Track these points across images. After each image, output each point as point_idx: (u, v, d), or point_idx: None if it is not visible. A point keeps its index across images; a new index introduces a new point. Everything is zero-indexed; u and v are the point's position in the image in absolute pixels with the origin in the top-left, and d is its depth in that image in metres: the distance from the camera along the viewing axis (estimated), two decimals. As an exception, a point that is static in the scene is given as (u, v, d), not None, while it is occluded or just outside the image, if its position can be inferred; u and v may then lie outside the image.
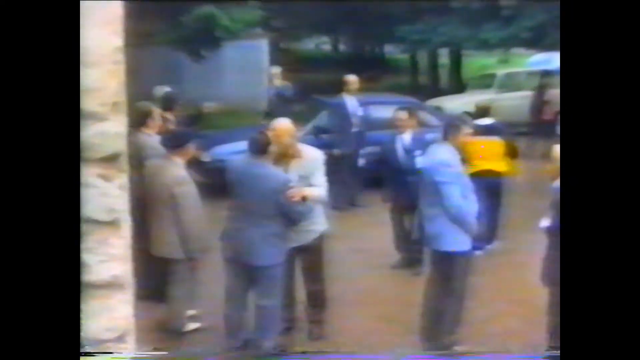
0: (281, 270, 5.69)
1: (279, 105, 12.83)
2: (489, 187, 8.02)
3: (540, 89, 15.47)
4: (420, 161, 6.03)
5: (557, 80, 15.82)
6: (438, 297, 5.93)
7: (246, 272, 5.66)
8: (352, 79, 10.95)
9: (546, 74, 15.73)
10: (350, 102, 10.81)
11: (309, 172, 5.82)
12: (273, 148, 5.58)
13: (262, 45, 19.89)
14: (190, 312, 6.28)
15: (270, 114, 12.97)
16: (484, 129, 8.46)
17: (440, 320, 5.90)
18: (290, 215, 5.56)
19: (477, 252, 6.65)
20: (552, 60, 15.63)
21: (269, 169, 5.56)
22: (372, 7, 22.88)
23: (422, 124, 8.96)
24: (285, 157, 5.78)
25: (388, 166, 8.18)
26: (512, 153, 8.78)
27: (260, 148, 5.55)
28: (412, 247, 7.44)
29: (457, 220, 5.68)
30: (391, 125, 8.38)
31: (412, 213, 6.61)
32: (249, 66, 13.87)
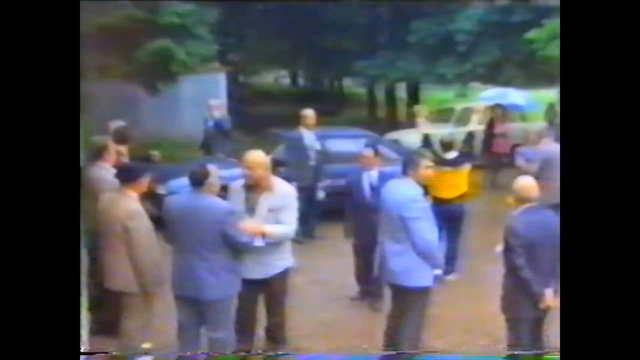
0: (232, 302, 5.61)
1: (216, 138, 12.80)
2: (449, 218, 8.11)
3: (490, 123, 15.83)
4: (385, 197, 5.99)
5: (509, 114, 16.27)
6: (399, 329, 5.91)
7: (196, 307, 5.59)
8: (308, 113, 10.93)
9: (497, 108, 16.02)
10: (308, 136, 10.81)
11: (278, 206, 5.79)
12: (212, 180, 5.55)
13: (220, 79, 19.89)
14: (145, 345, 6.19)
15: (206, 146, 13.01)
16: (449, 162, 8.66)
17: (401, 350, 5.88)
18: (235, 245, 5.52)
19: (438, 284, 6.64)
20: (504, 95, 15.89)
21: (210, 201, 5.52)
22: (330, 42, 23.10)
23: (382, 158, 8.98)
24: (256, 188, 5.77)
25: (354, 202, 8.15)
26: (473, 183, 8.92)
27: (198, 181, 5.53)
28: (373, 280, 7.40)
29: (425, 255, 5.68)
30: (349, 158, 8.38)
31: (375, 248, 6.58)
32: (206, 100, 13.84)
